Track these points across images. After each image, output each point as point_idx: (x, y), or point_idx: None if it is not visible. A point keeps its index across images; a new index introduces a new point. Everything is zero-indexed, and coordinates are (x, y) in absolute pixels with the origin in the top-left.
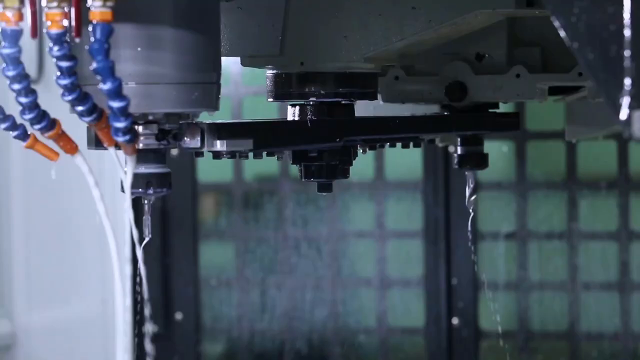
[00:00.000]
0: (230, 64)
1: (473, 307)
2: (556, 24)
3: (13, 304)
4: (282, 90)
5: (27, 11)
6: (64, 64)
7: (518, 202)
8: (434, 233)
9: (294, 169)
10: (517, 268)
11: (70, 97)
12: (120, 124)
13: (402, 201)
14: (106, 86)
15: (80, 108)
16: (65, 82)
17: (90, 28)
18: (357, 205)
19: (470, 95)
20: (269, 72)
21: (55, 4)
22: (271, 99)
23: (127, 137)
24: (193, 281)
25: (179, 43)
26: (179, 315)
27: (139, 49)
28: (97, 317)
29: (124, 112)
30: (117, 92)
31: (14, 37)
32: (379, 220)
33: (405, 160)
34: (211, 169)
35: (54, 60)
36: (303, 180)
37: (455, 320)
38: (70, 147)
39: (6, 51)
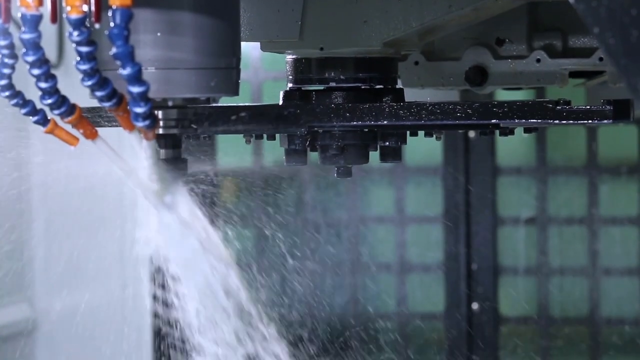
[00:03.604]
0: (250, 49)
1: (493, 292)
2: (577, 8)
3: (33, 289)
4: (301, 75)
5: None
6: (84, 49)
7: (538, 187)
8: (454, 218)
9: (314, 155)
10: (537, 253)
11: (90, 82)
12: (140, 109)
13: (422, 186)
14: (126, 71)
15: (100, 93)
16: (85, 67)
17: (109, 13)
18: (377, 190)
19: (491, 80)
20: (289, 57)
21: None
22: (291, 84)
23: (147, 122)
24: None
25: (199, 28)
26: None
27: (158, 34)
28: (116, 302)
29: (143, 97)
30: (137, 77)
31: (34, 22)
32: (399, 205)
33: (425, 146)
34: (231, 154)
35: (74, 45)
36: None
37: (475, 305)
38: (90, 132)
39: (26, 36)
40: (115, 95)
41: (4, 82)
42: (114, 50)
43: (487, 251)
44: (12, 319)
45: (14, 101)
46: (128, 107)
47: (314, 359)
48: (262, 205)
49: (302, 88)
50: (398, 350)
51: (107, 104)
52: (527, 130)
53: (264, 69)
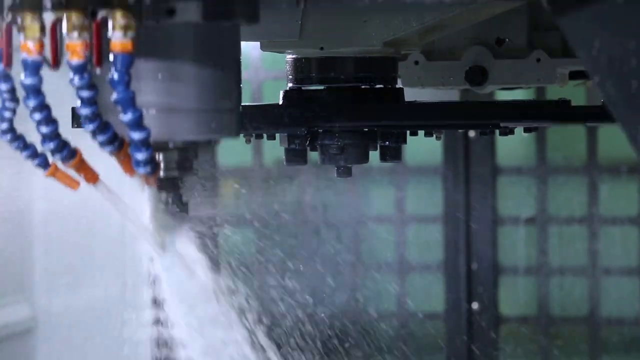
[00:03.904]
0: (250, 49)
1: (493, 291)
2: (579, 56)
3: (33, 288)
4: (301, 75)
5: (48, 41)
6: (85, 93)
7: (538, 187)
8: (454, 218)
9: (314, 154)
10: (537, 253)
11: (91, 127)
12: (141, 155)
13: (422, 186)
14: (127, 117)
15: (101, 138)
16: (86, 111)
17: (111, 58)
18: (377, 190)
19: (491, 79)
20: (289, 57)
21: (76, 34)
22: (291, 84)
23: (148, 168)
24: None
25: (199, 71)
26: None
27: (159, 77)
28: (117, 301)
29: (144, 143)
30: (138, 123)
31: (35, 67)
32: (399, 204)
33: (425, 145)
34: (231, 154)
35: (75, 90)
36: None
37: (475, 305)
38: (91, 176)
39: (27, 82)
40: (116, 140)
41: (5, 125)
42: (115, 96)
43: (487, 251)
44: (12, 319)
45: (15, 144)
46: (129, 152)
47: (313, 358)
48: (262, 205)
49: (302, 88)
50: (398, 349)
51: (107, 149)
52: (527, 129)
53: (264, 69)
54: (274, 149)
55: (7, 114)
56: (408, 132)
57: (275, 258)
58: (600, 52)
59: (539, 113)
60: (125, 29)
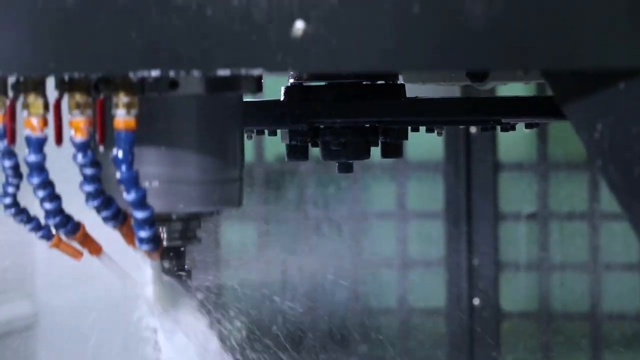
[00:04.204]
0: None
1: (494, 287)
2: (580, 138)
3: (34, 285)
4: None
5: (51, 117)
6: (88, 171)
7: (539, 183)
8: (455, 213)
9: (315, 150)
10: (538, 249)
11: (94, 203)
12: (144, 233)
13: (423, 182)
14: (130, 196)
15: (104, 213)
16: (89, 188)
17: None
18: (378, 185)
19: (492, 76)
20: None
21: (78, 111)
22: (292, 80)
23: (152, 246)
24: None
25: (202, 143)
26: (200, 296)
27: (162, 148)
28: (118, 298)
29: (147, 222)
30: (141, 202)
31: (39, 144)
32: (400, 200)
33: (426, 141)
34: None
35: (78, 167)
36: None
37: (476, 301)
38: (95, 248)
39: (31, 159)
40: (119, 214)
41: (8, 200)
42: (118, 175)
43: (489, 246)
44: (13, 315)
45: (19, 218)
46: (132, 226)
47: (314, 354)
48: (263, 201)
49: (304, 84)
50: (399, 345)
51: (111, 223)
52: (528, 125)
53: None
54: (276, 145)
55: (11, 189)
56: (409, 128)
57: (275, 253)
58: (602, 137)
59: (540, 109)
60: (129, 106)
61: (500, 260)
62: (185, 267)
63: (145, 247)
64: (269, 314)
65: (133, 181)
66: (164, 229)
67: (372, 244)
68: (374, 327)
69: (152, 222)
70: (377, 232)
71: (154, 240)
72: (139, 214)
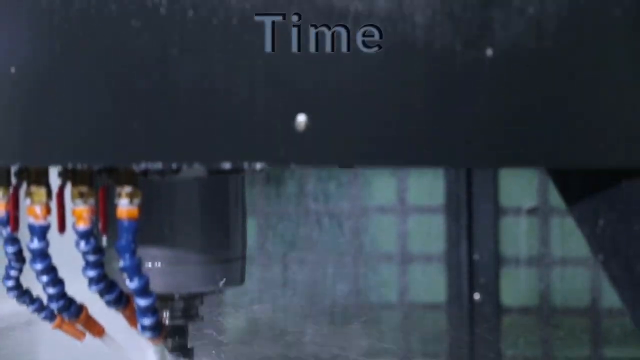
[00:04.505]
0: None
1: (495, 282)
2: (582, 232)
3: (33, 282)
4: None
5: (54, 205)
6: (91, 257)
7: (540, 178)
8: (456, 209)
9: None
10: (539, 244)
11: (97, 288)
12: (147, 321)
13: (423, 177)
14: (133, 284)
15: (107, 297)
16: (92, 274)
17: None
18: (378, 180)
19: None
20: None
21: (81, 200)
22: None
23: (155, 333)
24: None
25: (205, 224)
26: None
27: (164, 230)
28: None
29: (150, 309)
30: (143, 290)
31: (42, 232)
32: (401, 195)
33: None
34: None
35: (81, 254)
36: None
37: (476, 296)
38: (97, 330)
39: (35, 246)
40: (122, 298)
41: (11, 283)
42: (121, 263)
43: (489, 241)
44: (12, 311)
45: (22, 300)
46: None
47: (315, 349)
48: (264, 195)
49: None
50: (399, 340)
51: (114, 307)
52: None
53: None
54: None
55: (13, 273)
56: None
57: (276, 248)
58: (604, 232)
59: None
60: (131, 196)
61: (500, 255)
62: (188, 345)
63: (147, 334)
64: (270, 308)
65: (136, 270)
66: (167, 309)
67: (372, 239)
68: (375, 321)
69: (154, 309)
70: (378, 227)
71: (157, 327)
72: (142, 302)
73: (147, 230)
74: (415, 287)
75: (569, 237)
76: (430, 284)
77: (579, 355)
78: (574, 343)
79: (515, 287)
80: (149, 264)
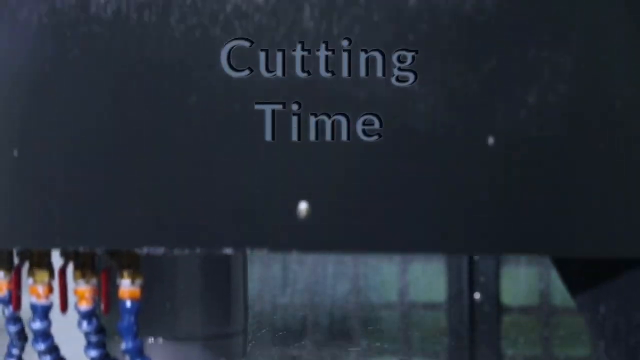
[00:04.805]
0: None
1: (495, 282)
2: (584, 317)
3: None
4: None
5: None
6: (93, 338)
7: None
8: None
9: None
10: None
11: None
12: None
13: None
14: None
15: None
16: (94, 354)
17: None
18: None
19: None
20: None
21: (83, 281)
22: None
23: None
24: None
25: (206, 299)
26: None
27: (166, 305)
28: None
29: None
30: None
31: (44, 311)
32: None
33: None
34: None
35: (83, 334)
36: None
37: (477, 295)
38: None
39: (37, 326)
40: None
41: None
42: (123, 345)
43: None
44: None
45: None
46: None
47: (315, 348)
48: None
49: None
50: (400, 339)
51: None
52: None
53: None
54: None
55: (15, 351)
56: None
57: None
58: (605, 319)
59: None
60: (133, 277)
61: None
62: None
63: None
64: (270, 307)
65: (138, 351)
66: None
67: None
68: (375, 321)
69: None
70: None
71: None
72: None
73: (148, 306)
74: (415, 287)
75: None
76: (430, 284)
77: (579, 355)
78: (574, 342)
79: (515, 287)
80: (151, 340)
